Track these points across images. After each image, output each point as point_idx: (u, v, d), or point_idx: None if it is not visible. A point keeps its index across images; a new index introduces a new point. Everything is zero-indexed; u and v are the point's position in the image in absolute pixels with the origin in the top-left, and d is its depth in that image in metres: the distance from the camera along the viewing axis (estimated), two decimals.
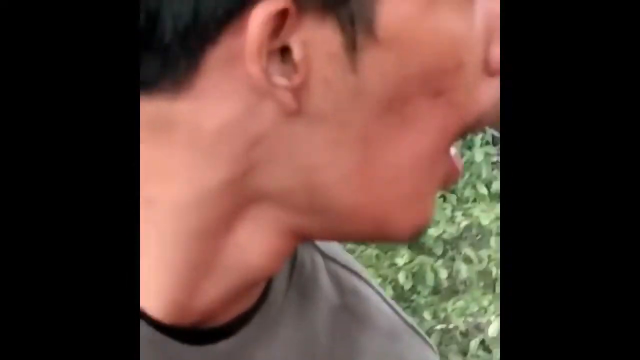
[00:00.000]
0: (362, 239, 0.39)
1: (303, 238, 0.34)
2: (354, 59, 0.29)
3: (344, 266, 0.40)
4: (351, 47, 0.29)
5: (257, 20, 0.27)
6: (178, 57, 0.28)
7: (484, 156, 4.42)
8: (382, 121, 0.30)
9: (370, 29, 0.29)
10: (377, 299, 0.41)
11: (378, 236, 0.35)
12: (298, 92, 0.29)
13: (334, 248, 0.40)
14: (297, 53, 0.28)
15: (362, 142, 0.30)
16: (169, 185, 0.31)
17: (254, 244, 0.32)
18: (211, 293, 0.32)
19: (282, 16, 0.28)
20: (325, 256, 0.39)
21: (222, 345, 0.34)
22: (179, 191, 0.31)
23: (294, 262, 0.37)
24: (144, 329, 0.32)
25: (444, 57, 0.31)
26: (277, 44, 0.28)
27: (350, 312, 0.39)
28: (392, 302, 0.42)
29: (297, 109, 0.29)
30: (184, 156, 0.30)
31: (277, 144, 0.30)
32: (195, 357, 0.34)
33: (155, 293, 0.32)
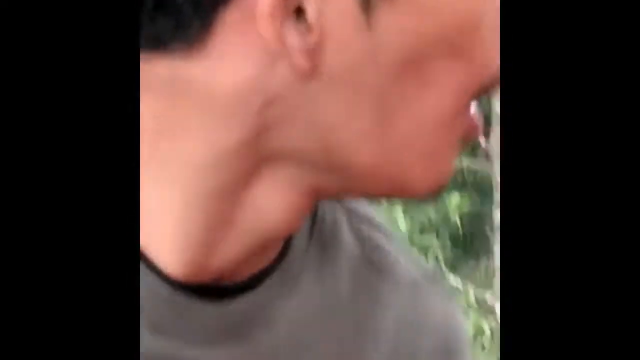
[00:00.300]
0: (381, 196, 0.39)
1: (321, 196, 0.33)
2: (369, 17, 0.28)
3: (366, 220, 0.40)
4: (366, 5, 0.28)
5: None
6: (191, 17, 0.28)
7: None
8: (399, 81, 0.30)
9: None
10: (398, 252, 0.41)
11: (396, 193, 0.35)
12: (312, 52, 0.28)
13: (355, 202, 0.39)
14: (311, 13, 0.28)
15: (379, 103, 0.30)
16: (184, 145, 0.31)
17: (271, 203, 0.32)
18: (229, 251, 0.32)
19: None
20: (346, 210, 0.39)
21: (241, 301, 0.34)
22: (194, 151, 0.30)
23: (314, 218, 0.37)
24: (162, 289, 0.33)
25: (462, 15, 0.30)
26: (291, 3, 0.28)
27: (371, 265, 0.39)
28: (413, 254, 0.43)
29: (312, 70, 0.29)
30: (199, 116, 0.30)
31: (292, 105, 0.29)
32: (214, 313, 0.34)
33: (172, 252, 0.32)
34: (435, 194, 0.34)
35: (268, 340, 0.35)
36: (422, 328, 0.40)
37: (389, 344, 0.38)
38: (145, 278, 0.33)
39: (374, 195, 0.37)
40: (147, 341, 0.31)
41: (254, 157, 0.31)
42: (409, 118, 0.31)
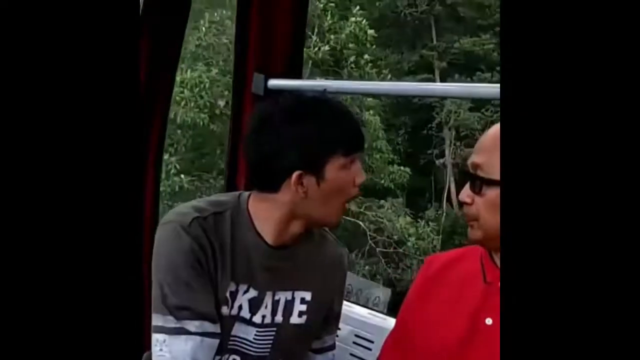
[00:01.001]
0: (321, 226, 1.32)
1: (309, 226, 1.26)
2: (319, 184, 1.18)
3: (325, 230, 1.37)
4: (319, 182, 1.19)
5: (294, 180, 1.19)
6: (276, 183, 1.21)
7: None
8: (329, 198, 1.20)
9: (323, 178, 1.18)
10: (328, 234, 1.38)
11: (324, 226, 1.33)
12: (306, 193, 1.19)
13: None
14: (305, 183, 1.19)
15: (325, 203, 1.21)
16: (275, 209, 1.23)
17: (295, 225, 1.23)
18: (287, 237, 1.25)
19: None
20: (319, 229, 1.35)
21: (288, 250, 1.26)
22: (277, 212, 1.23)
23: (311, 231, 1.30)
24: (265, 248, 1.24)
25: (340, 182, 1.21)
26: (300, 182, 1.19)
27: (323, 238, 1.36)
28: (330, 234, 1.39)
29: (305, 196, 1.19)
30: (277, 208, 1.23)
31: (300, 205, 1.20)
32: (280, 254, 1.25)
33: (270, 233, 1.24)
34: (336, 226, 1.31)
35: (287, 265, 1.27)
36: (332, 258, 1.36)
37: (326, 267, 1.34)
38: (261, 244, 1.24)
39: (319, 226, 1.31)
40: (259, 268, 1.24)
41: (292, 216, 1.22)
42: (330, 206, 1.22)
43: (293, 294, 1.28)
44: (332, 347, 1.40)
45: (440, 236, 13.13)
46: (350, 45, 12.00)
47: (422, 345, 1.19)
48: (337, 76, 11.77)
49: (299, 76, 1.84)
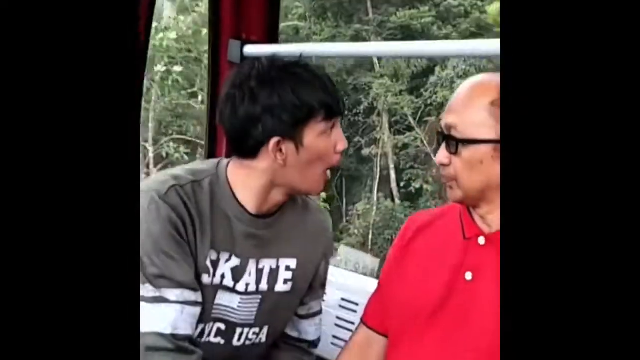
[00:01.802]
0: (302, 194, 1.31)
1: (290, 194, 1.27)
2: (298, 150, 1.18)
3: (308, 197, 1.36)
4: (297, 147, 1.18)
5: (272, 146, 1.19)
6: (255, 149, 1.20)
7: None
8: (308, 165, 1.20)
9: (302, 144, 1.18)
10: (312, 202, 1.38)
11: (306, 194, 1.32)
12: (285, 160, 1.19)
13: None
14: (284, 150, 1.19)
15: (303, 171, 1.20)
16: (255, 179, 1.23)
17: (276, 193, 1.24)
18: (267, 205, 1.25)
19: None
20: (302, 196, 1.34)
21: (271, 218, 1.27)
22: (258, 181, 1.23)
23: (292, 198, 1.30)
24: (247, 216, 1.24)
25: (320, 150, 1.20)
26: (279, 148, 1.19)
27: (306, 206, 1.36)
28: (314, 201, 1.40)
29: (285, 164, 1.19)
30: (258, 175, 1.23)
31: (280, 173, 1.20)
32: (262, 223, 1.26)
33: (250, 201, 1.23)
34: (319, 193, 1.31)
35: (270, 233, 1.28)
36: (316, 224, 1.37)
37: (310, 234, 1.34)
38: (242, 212, 1.23)
39: (301, 193, 1.30)
40: (240, 236, 1.24)
41: (272, 185, 1.22)
42: (311, 174, 1.21)
43: (278, 261, 1.28)
44: (319, 312, 1.41)
45: (371, 232, 12.82)
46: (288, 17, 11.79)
47: (403, 302, 1.21)
48: None
49: (275, 42, 1.82)
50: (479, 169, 1.09)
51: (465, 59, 12.67)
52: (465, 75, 13.63)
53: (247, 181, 1.21)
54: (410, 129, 14.64)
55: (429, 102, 13.99)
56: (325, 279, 1.40)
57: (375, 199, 14.11)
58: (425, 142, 14.06)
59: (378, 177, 14.51)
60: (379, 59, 14.03)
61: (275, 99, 1.15)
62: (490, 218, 1.14)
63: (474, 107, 1.10)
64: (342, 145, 1.20)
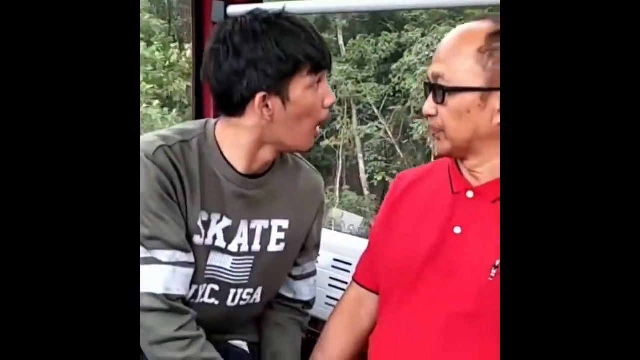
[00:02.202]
0: (292, 151, 1.30)
1: (279, 151, 1.25)
2: (285, 106, 1.16)
3: (298, 157, 1.35)
4: (284, 102, 1.16)
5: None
6: (242, 105, 1.18)
7: None
8: (295, 121, 1.18)
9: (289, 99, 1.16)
10: (303, 162, 1.36)
11: (296, 151, 1.30)
12: (271, 116, 1.17)
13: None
14: (271, 106, 1.16)
15: (293, 127, 1.19)
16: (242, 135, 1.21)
17: (266, 151, 1.22)
18: (256, 164, 1.23)
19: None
20: (292, 155, 1.33)
21: (261, 178, 1.26)
22: (246, 139, 1.21)
23: (283, 158, 1.30)
24: (236, 176, 1.22)
25: (307, 105, 1.17)
26: (265, 104, 1.16)
27: (297, 166, 1.34)
28: (306, 162, 1.37)
29: (271, 119, 1.17)
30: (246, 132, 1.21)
31: (267, 129, 1.18)
32: (252, 182, 1.24)
33: (239, 160, 1.22)
34: (309, 151, 1.26)
35: (261, 193, 1.26)
36: (308, 184, 1.35)
37: (302, 195, 1.33)
38: (231, 172, 1.22)
39: (289, 151, 1.29)
40: (231, 196, 1.23)
41: (260, 142, 1.20)
42: (299, 130, 1.20)
43: (270, 222, 1.27)
44: (313, 273, 1.41)
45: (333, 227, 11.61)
46: None
47: (393, 258, 1.20)
48: None
49: (259, 2, 1.78)
50: (466, 117, 1.07)
51: (428, 44, 12.18)
52: (429, 61, 12.99)
53: (235, 140, 1.20)
54: (374, 118, 13.74)
55: (396, 88, 13.01)
56: (319, 239, 1.40)
57: (337, 192, 13.38)
58: (389, 132, 13.37)
59: (341, 169, 13.78)
60: (345, 42, 13.56)
61: (259, 52, 1.12)
62: (478, 170, 1.13)
63: (461, 55, 1.07)
64: (330, 100, 1.18)
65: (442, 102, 1.09)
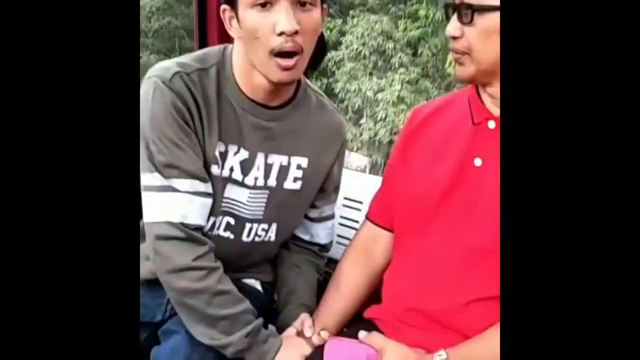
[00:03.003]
0: (266, 79, 1.14)
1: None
2: (239, 24, 1.11)
3: (317, 92, 1.31)
4: (238, 22, 1.12)
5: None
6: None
7: None
8: (249, 42, 1.11)
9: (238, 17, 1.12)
10: (326, 100, 1.32)
11: (266, 78, 1.14)
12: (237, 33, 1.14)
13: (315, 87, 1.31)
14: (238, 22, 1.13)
15: (251, 50, 1.12)
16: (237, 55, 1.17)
17: (259, 77, 1.15)
18: (256, 87, 1.17)
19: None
20: (310, 87, 1.29)
21: (275, 111, 1.21)
22: (238, 57, 1.17)
23: (304, 89, 1.26)
24: (250, 104, 1.18)
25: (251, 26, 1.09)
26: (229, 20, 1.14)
27: (319, 104, 1.30)
28: (330, 102, 1.33)
29: (238, 38, 1.15)
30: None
31: (246, 52, 1.13)
32: (268, 113, 1.20)
33: (242, 84, 1.18)
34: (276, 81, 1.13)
35: (280, 127, 1.22)
36: (331, 125, 1.31)
37: (323, 135, 1.29)
38: (247, 101, 1.18)
39: (265, 79, 1.15)
40: (248, 127, 1.19)
41: (249, 64, 1.14)
42: (256, 54, 1.11)
43: (289, 159, 1.24)
44: (331, 216, 1.39)
45: None
46: None
47: (409, 193, 1.17)
48: None
49: None
50: (495, 38, 1.01)
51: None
52: (358, 56, 12.73)
53: (235, 62, 1.17)
54: None
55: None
56: (338, 182, 1.36)
57: None
58: None
59: None
60: None
61: None
62: None
63: None
64: (281, 26, 1.05)
65: (470, 22, 1.03)
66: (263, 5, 1.06)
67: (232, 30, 1.13)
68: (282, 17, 1.05)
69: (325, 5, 1.14)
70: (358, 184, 1.67)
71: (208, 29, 1.65)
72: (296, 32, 1.06)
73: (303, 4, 1.07)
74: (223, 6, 1.11)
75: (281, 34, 1.06)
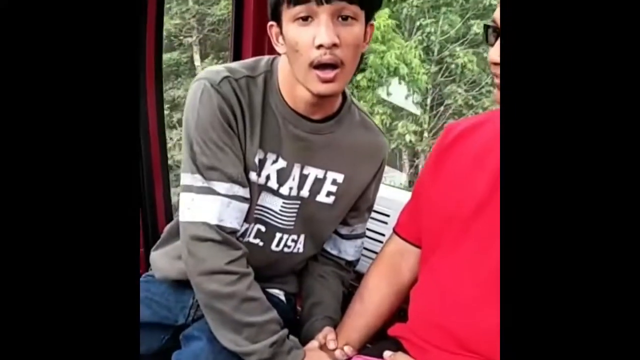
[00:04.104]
0: (312, 93, 1.15)
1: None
2: (286, 40, 1.12)
3: (362, 110, 1.31)
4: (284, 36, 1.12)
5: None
6: None
7: None
8: (292, 55, 1.12)
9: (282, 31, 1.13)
10: (370, 121, 1.32)
11: (309, 91, 1.15)
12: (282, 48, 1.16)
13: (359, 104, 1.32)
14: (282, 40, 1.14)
15: (293, 62, 1.13)
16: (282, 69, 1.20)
17: (302, 90, 1.16)
18: (300, 101, 1.19)
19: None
20: (355, 105, 1.30)
21: (321, 124, 1.22)
22: (283, 71, 1.20)
23: (349, 106, 1.27)
24: (293, 115, 1.19)
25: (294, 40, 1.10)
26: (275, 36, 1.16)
27: (363, 125, 1.30)
28: (374, 122, 1.33)
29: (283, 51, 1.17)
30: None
31: (290, 65, 1.15)
32: (309, 125, 1.21)
33: (286, 96, 1.20)
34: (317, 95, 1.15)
35: (320, 140, 1.22)
36: (371, 144, 1.31)
37: (363, 153, 1.29)
38: (289, 111, 1.19)
39: (308, 92, 1.15)
40: (288, 137, 1.20)
41: (293, 78, 1.15)
42: (298, 67, 1.12)
43: (326, 173, 1.24)
44: (362, 235, 1.39)
45: None
46: None
47: (439, 209, 1.16)
48: None
49: None
50: None
51: None
52: None
53: (281, 75, 1.18)
54: None
55: None
56: (373, 202, 1.37)
57: None
58: None
59: None
60: None
61: None
62: None
63: None
64: (321, 39, 1.05)
65: None
66: (304, 19, 1.06)
67: (279, 46, 1.14)
68: (322, 31, 1.06)
69: (373, 22, 1.14)
70: (385, 197, 1.66)
71: (243, 43, 1.66)
72: (335, 45, 1.06)
73: (345, 18, 1.07)
74: (270, 22, 1.13)
75: (320, 46, 1.06)
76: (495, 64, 1.04)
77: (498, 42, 1.03)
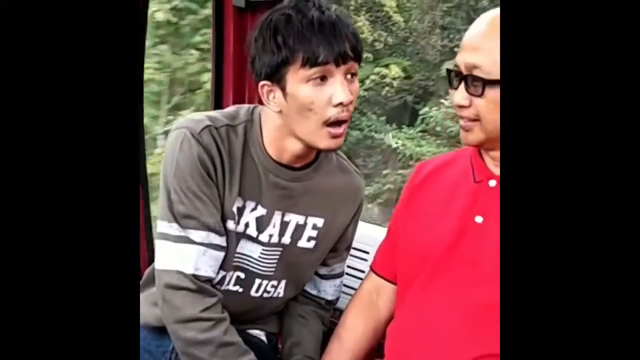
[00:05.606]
0: (317, 148, 1.19)
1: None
2: (285, 99, 1.13)
3: (342, 158, 1.33)
4: (285, 97, 1.14)
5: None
6: None
7: None
8: (299, 114, 1.14)
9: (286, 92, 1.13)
10: (347, 164, 1.34)
11: (315, 147, 1.19)
12: (279, 108, 1.16)
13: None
14: (276, 100, 1.16)
15: (299, 121, 1.15)
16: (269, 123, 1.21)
17: (292, 142, 1.18)
18: (287, 154, 1.20)
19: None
20: (337, 155, 1.32)
21: (296, 172, 1.23)
22: (270, 124, 1.20)
23: (325, 153, 1.26)
24: (271, 163, 1.21)
25: (302, 100, 1.12)
26: (268, 96, 1.16)
27: (340, 168, 1.32)
28: (350, 164, 1.35)
29: (280, 112, 1.16)
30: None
31: (284, 121, 1.17)
32: (289, 174, 1.22)
33: (269, 147, 1.20)
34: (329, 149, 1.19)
35: (300, 187, 1.24)
36: (349, 187, 1.32)
37: (341, 196, 1.30)
38: (269, 161, 1.20)
39: (312, 147, 1.19)
40: (268, 186, 1.22)
41: (283, 132, 1.18)
42: (306, 125, 1.14)
43: (306, 219, 1.26)
44: (340, 274, 1.40)
45: None
46: None
47: (413, 247, 1.18)
48: None
49: None
50: None
51: None
52: None
53: (267, 127, 1.20)
54: None
55: None
56: (351, 242, 1.39)
57: None
58: None
59: None
60: None
61: (260, 42, 1.12)
62: None
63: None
64: (339, 97, 1.09)
65: (481, 94, 1.05)
66: (321, 78, 1.10)
67: (271, 104, 1.14)
68: (339, 89, 1.10)
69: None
70: (365, 234, 1.68)
71: (224, 93, 1.70)
72: (350, 102, 1.11)
73: (352, 75, 1.12)
74: (262, 82, 1.13)
75: (338, 104, 1.10)
76: (460, 106, 1.09)
77: (461, 86, 1.07)
